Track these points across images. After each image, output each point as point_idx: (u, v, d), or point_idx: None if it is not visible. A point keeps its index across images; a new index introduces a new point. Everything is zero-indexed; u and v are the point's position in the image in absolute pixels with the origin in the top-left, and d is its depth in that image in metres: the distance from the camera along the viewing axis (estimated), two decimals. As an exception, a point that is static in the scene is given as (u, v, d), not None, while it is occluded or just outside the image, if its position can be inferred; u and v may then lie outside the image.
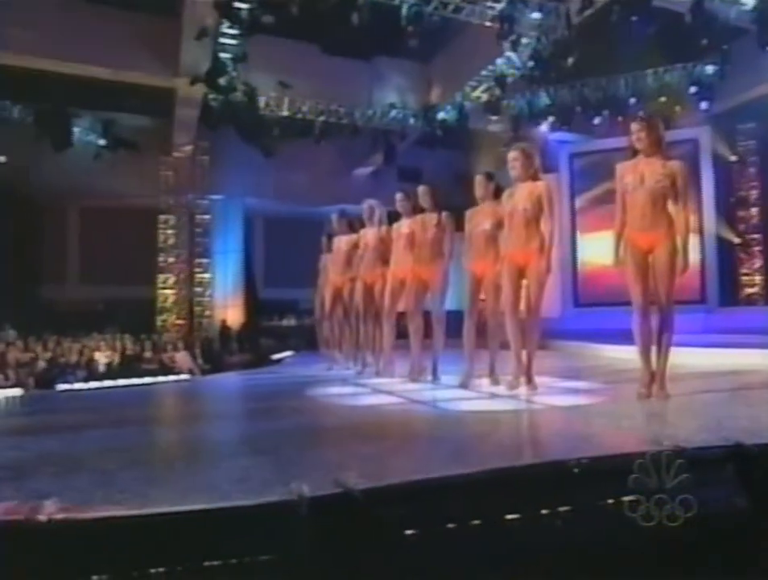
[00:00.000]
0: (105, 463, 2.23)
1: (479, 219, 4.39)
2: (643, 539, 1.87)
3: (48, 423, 3.55)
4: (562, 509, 1.88)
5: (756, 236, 11.67)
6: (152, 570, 1.44)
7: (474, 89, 11.04)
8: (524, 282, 3.99)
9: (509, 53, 9.80)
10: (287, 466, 2.15)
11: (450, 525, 1.78)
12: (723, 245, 11.30)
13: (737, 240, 11.70)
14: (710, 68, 10.48)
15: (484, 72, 10.58)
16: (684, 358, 6.07)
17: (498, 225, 4.22)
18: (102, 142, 11.74)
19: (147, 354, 9.39)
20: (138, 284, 12.72)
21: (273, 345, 11.13)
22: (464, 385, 4.29)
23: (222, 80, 9.98)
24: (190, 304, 12.87)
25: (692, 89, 10.75)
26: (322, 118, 11.74)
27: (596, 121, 11.59)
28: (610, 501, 1.92)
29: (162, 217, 12.82)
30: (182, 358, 9.11)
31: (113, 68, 10.07)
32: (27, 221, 12.36)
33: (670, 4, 8.75)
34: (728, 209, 11.62)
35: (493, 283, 4.25)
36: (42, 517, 1.54)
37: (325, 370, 6.11)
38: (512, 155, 4.05)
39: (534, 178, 4.03)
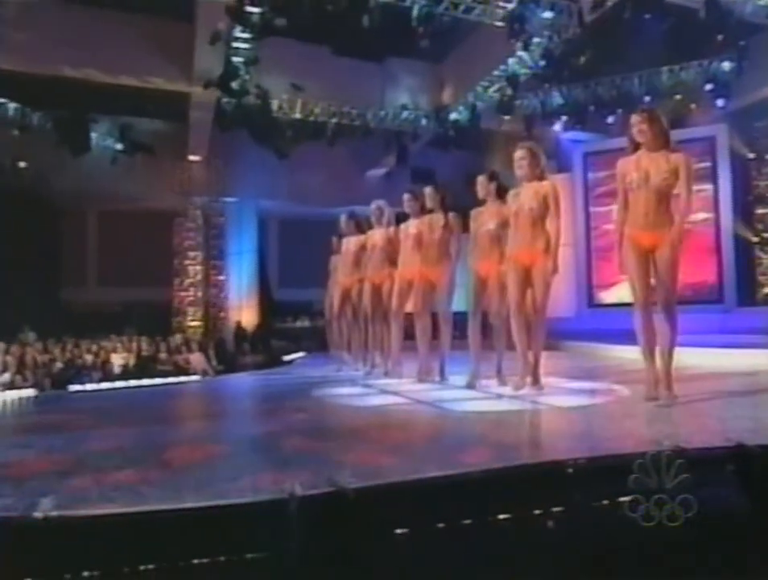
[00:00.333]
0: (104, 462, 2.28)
1: (484, 219, 4.38)
2: (643, 539, 1.86)
3: (57, 421, 3.62)
4: (558, 509, 1.88)
5: (774, 234, 11.45)
6: (142, 567, 1.47)
7: (486, 89, 11.01)
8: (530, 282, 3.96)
9: (521, 52, 9.76)
10: (285, 465, 2.17)
11: (441, 525, 1.79)
12: (740, 243, 11.10)
13: (754, 238, 11.49)
14: (726, 65, 10.31)
15: (496, 72, 10.54)
16: (701, 358, 6.01)
17: (503, 224, 4.19)
18: (119, 146, 11.92)
19: (162, 356, 9.51)
20: (154, 286, 12.91)
21: (285, 346, 11.20)
22: (470, 386, 4.29)
23: (235, 84, 10.07)
24: (205, 306, 13.01)
25: (708, 86, 10.59)
26: (334, 120, 11.79)
27: (610, 119, 11.47)
28: (610, 501, 1.92)
29: (177, 219, 12.97)
30: (196, 359, 9.22)
31: (129, 73, 10.24)
32: (47, 225, 12.59)
33: (683, 0, 8.64)
34: (745, 208, 11.42)
35: (498, 283, 4.24)
36: (38, 514, 1.58)
37: (335, 371, 6.14)
38: (518, 154, 4.03)
39: (541, 178, 4.00)
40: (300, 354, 9.95)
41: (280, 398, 4.70)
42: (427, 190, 4.90)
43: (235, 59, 9.71)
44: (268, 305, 14.01)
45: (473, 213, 4.49)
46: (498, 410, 3.50)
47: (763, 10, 8.69)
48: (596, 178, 11.98)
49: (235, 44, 9.43)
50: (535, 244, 3.88)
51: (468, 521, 1.78)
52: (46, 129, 10.99)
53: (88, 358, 8.58)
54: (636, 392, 3.59)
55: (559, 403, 3.59)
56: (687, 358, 6.34)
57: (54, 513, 1.57)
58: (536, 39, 9.41)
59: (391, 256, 5.41)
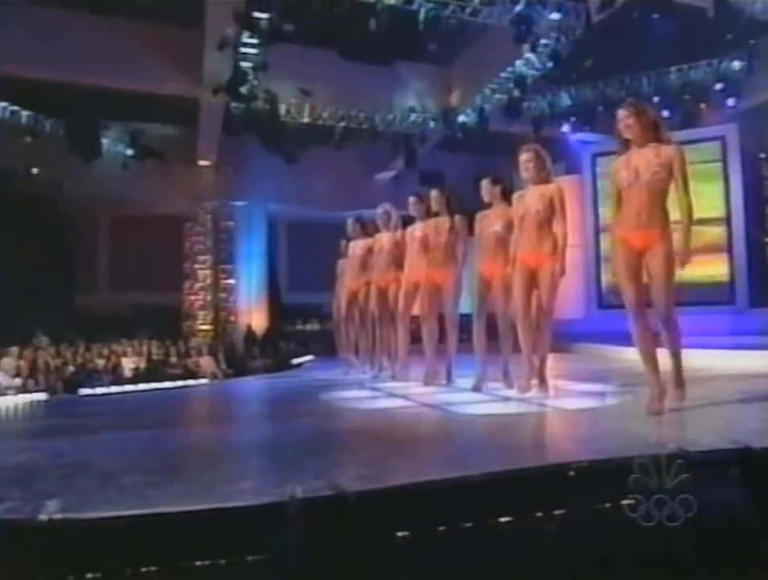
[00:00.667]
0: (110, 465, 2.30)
1: (489, 221, 4.38)
2: (643, 539, 1.85)
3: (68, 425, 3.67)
4: (560, 512, 1.87)
5: (787, 234, 11.31)
6: (143, 569, 1.49)
7: (494, 91, 10.99)
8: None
9: (528, 54, 9.75)
10: (290, 468, 2.18)
11: (443, 528, 1.79)
12: (752, 244, 10.99)
13: (766, 239, 11.37)
14: (736, 64, 10.24)
15: (503, 74, 10.53)
16: (712, 360, 5.95)
17: (509, 227, 4.17)
18: (130, 152, 12.04)
19: (173, 359, 9.58)
20: (165, 291, 13.00)
21: (294, 349, 11.24)
22: (476, 388, 4.28)
23: (244, 89, 10.15)
24: (215, 310, 13.08)
25: (718, 86, 10.51)
26: (342, 124, 11.83)
27: (619, 120, 11.39)
28: (611, 504, 1.91)
29: (187, 224, 13.06)
30: (206, 362, 9.28)
31: (139, 80, 10.35)
32: (60, 231, 12.74)
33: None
34: (757, 207, 11.30)
35: (503, 286, 4.22)
36: (43, 517, 1.60)
37: (342, 375, 6.15)
38: (524, 156, 4.01)
39: (547, 180, 3.99)
40: (309, 357, 9.98)
41: (287, 401, 4.72)
42: (433, 193, 4.91)
43: (243, 64, 9.79)
44: (277, 309, 14.06)
45: (478, 215, 4.48)
46: (505, 413, 3.50)
47: (773, 9, 8.61)
48: (605, 178, 11.92)
49: (243, 50, 9.51)
50: (542, 246, 3.86)
51: (469, 524, 1.78)
52: (58, 136, 11.13)
53: (100, 362, 8.67)
54: (645, 395, 3.56)
55: (566, 405, 3.58)
56: (699, 359, 6.30)
57: (58, 516, 1.59)
58: (543, 41, 9.40)
59: (398, 259, 5.43)
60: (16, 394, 6.55)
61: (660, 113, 10.73)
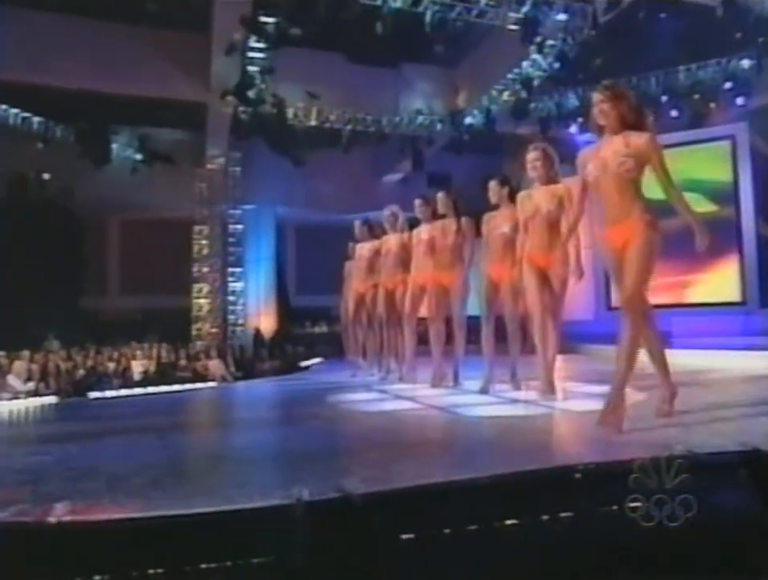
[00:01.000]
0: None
1: (497, 222, 4.36)
2: (643, 539, 1.85)
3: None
4: (565, 514, 1.87)
5: (799, 234, 11.19)
6: (150, 571, 1.50)
7: (501, 92, 10.98)
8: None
9: (535, 55, 9.73)
10: (297, 471, 2.19)
11: (448, 530, 1.79)
12: (763, 243, 10.88)
13: (778, 238, 11.25)
14: (746, 63, 10.15)
15: (510, 76, 10.52)
16: (722, 361, 5.92)
17: (516, 228, 4.12)
18: (139, 156, 12.13)
19: (182, 362, 9.62)
20: (174, 294, 13.07)
21: (303, 352, 11.25)
22: (484, 390, 4.27)
23: (251, 93, 10.21)
24: (224, 313, 13.13)
25: (727, 85, 10.43)
26: (350, 127, 11.85)
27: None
28: (616, 505, 1.90)
29: (196, 227, 13.13)
30: (215, 365, 9.30)
31: (147, 85, 10.43)
32: (70, 235, 12.85)
33: (699, -2, 8.55)
34: (767, 206, 11.19)
35: (510, 287, 4.20)
36: (51, 519, 1.62)
37: (350, 377, 6.16)
38: (532, 155, 3.98)
39: (554, 180, 3.97)
40: (317, 359, 9.99)
41: (295, 404, 4.74)
42: (439, 195, 4.92)
43: (251, 68, 9.85)
44: (286, 311, 14.09)
45: (486, 217, 4.47)
46: (512, 415, 3.49)
47: (782, 6, 8.55)
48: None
49: (251, 54, 9.57)
50: (552, 246, 3.81)
51: (475, 527, 1.78)
52: (68, 141, 11.24)
53: (110, 365, 8.72)
54: (651, 395, 3.54)
55: (573, 407, 3.56)
56: (709, 360, 6.25)
57: (67, 518, 1.61)
58: (550, 42, 9.38)
59: (405, 261, 5.43)
60: (27, 398, 6.60)
61: (669, 112, 10.84)
